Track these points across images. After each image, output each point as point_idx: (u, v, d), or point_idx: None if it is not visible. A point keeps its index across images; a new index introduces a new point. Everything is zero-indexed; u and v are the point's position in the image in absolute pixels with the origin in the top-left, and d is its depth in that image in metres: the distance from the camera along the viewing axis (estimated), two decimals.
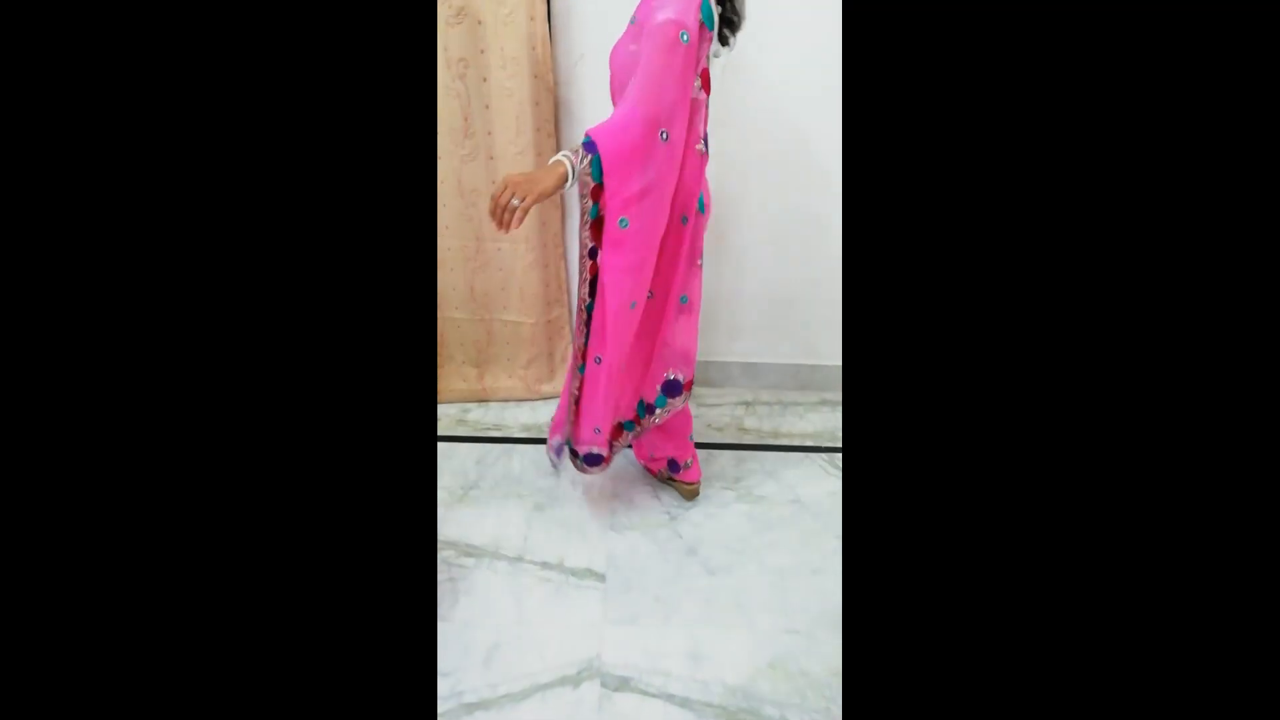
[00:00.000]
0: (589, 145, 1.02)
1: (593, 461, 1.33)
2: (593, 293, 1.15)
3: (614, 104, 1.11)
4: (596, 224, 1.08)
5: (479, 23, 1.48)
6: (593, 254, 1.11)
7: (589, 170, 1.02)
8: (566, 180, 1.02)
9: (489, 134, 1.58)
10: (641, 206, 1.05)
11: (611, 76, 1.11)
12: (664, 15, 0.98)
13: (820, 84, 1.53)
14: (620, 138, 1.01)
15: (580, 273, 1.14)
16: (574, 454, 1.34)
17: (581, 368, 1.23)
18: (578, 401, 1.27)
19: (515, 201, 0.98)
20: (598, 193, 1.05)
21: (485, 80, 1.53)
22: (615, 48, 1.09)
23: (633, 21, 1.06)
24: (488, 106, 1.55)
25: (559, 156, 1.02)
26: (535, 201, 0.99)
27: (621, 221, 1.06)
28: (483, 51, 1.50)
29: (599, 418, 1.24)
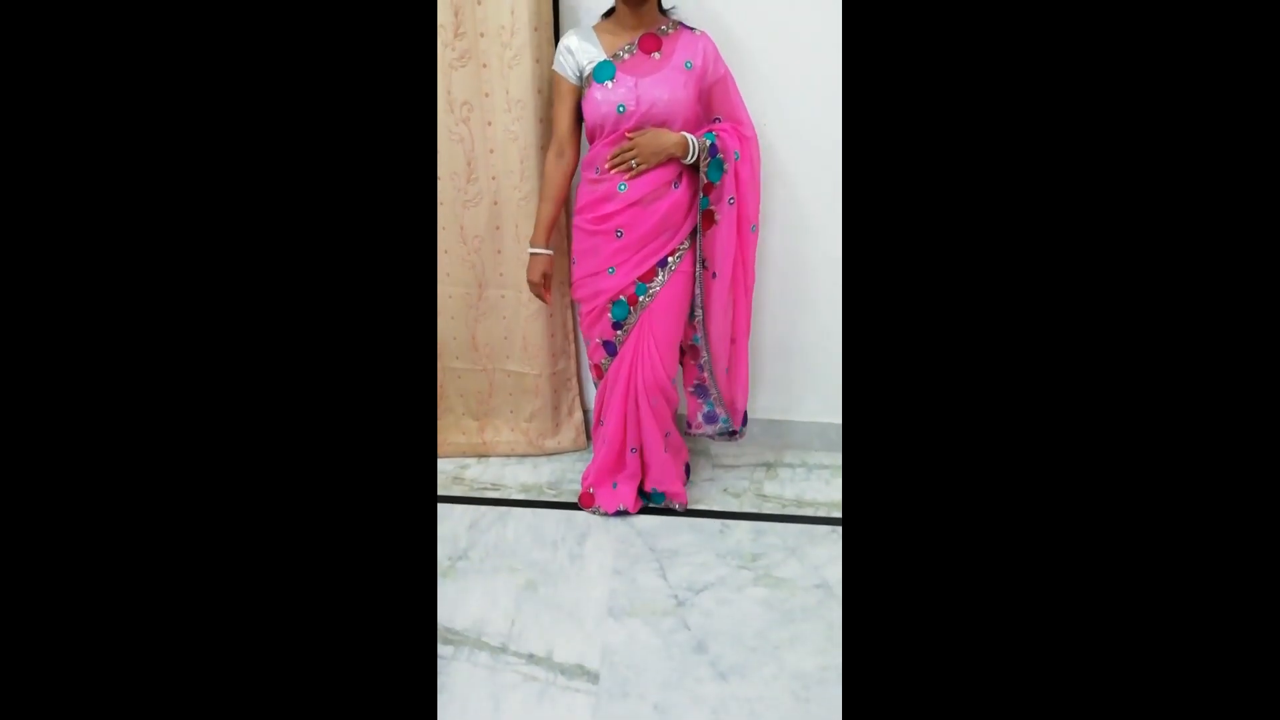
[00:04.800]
0: (713, 148, 1.27)
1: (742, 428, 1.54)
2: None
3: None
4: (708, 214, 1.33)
5: (483, 66, 1.42)
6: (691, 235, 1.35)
7: (707, 169, 1.27)
8: (688, 152, 1.25)
9: (493, 179, 1.51)
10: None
11: (652, 115, 1.25)
12: (724, 67, 1.30)
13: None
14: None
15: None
16: (734, 431, 1.53)
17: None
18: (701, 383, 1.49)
19: (635, 163, 1.24)
20: (709, 189, 1.29)
21: (489, 124, 1.47)
22: (656, 91, 1.24)
23: (689, 67, 1.25)
24: (492, 151, 1.49)
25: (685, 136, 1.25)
26: (654, 166, 1.25)
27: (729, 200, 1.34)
28: (487, 95, 1.45)
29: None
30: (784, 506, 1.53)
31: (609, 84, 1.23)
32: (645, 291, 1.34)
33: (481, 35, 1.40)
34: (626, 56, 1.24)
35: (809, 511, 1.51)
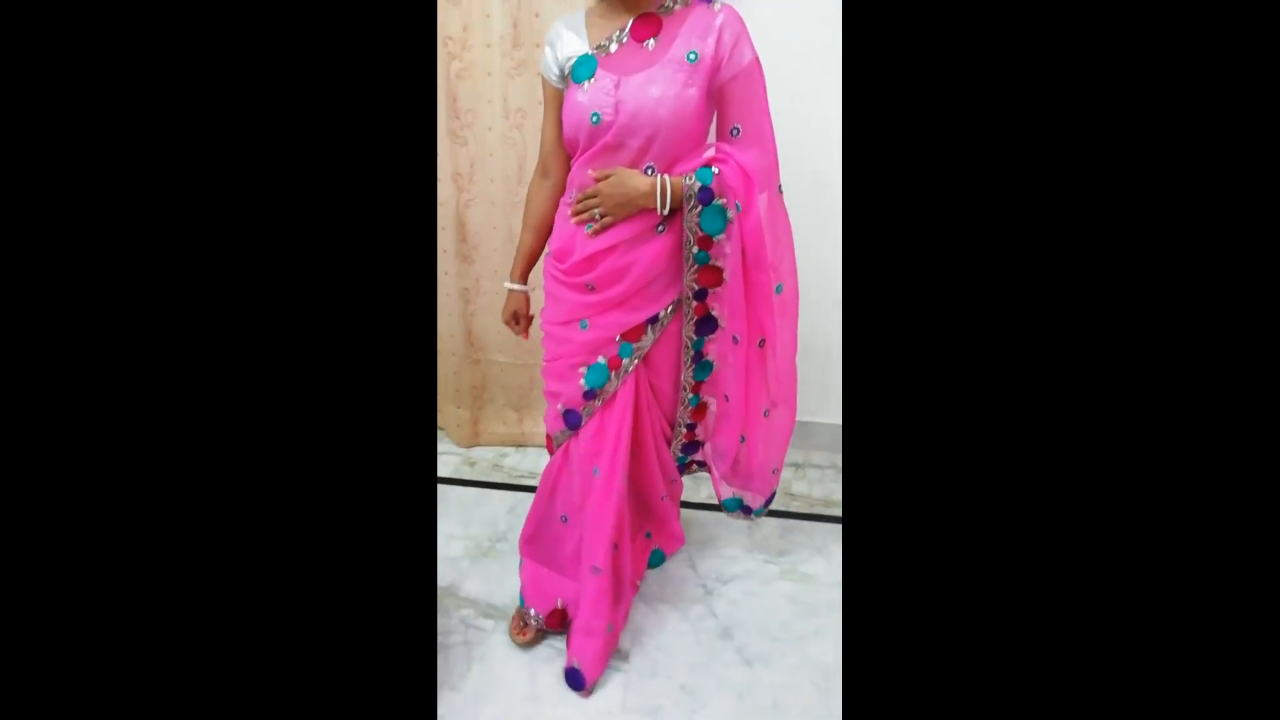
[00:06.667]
0: (704, 193, 0.94)
1: (769, 501, 1.23)
2: (699, 331, 1.07)
3: (647, 152, 0.95)
4: (708, 270, 1.01)
5: (538, 75, 1.50)
6: (699, 296, 1.03)
7: (698, 222, 0.96)
8: (659, 202, 0.95)
9: None
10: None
11: (636, 128, 0.92)
12: (751, 53, 0.95)
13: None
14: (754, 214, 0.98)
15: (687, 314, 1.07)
16: (747, 508, 1.21)
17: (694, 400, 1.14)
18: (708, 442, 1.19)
19: (597, 213, 0.97)
20: (707, 242, 0.98)
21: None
22: (642, 93, 0.91)
23: (692, 60, 0.91)
24: None
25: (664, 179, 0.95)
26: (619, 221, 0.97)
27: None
28: (540, 103, 1.52)
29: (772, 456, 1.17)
30: (811, 506, 1.56)
31: (587, 84, 0.92)
32: (630, 353, 1.03)
33: (537, 45, 1.49)
34: (614, 48, 0.92)
35: (835, 512, 1.54)
